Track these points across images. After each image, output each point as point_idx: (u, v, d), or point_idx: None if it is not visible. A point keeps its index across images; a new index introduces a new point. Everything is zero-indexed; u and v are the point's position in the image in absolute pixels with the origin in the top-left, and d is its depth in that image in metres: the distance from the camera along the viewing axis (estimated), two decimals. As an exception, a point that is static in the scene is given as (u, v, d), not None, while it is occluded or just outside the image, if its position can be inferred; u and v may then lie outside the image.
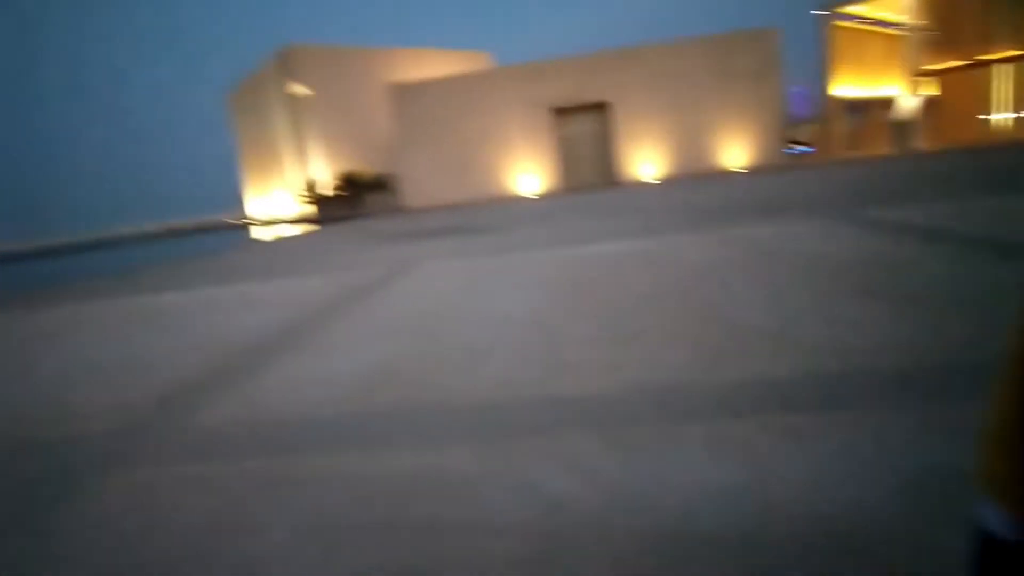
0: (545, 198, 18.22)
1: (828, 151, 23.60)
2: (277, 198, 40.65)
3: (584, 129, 22.36)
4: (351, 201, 31.85)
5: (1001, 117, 20.86)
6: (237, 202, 47.41)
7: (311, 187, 32.94)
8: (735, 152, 21.54)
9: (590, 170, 22.53)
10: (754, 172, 18.46)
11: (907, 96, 20.41)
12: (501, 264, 5.16)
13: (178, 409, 2.38)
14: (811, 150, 28.03)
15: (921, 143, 19.70)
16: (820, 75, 23.63)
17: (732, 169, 21.25)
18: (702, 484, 1.35)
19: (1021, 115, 20.32)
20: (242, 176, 45.10)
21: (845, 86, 23.35)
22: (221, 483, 1.67)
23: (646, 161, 21.92)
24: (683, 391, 1.92)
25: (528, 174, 22.39)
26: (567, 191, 21.32)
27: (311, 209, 34.07)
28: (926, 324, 2.28)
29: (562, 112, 21.98)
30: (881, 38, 24.10)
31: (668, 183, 18.55)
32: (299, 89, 33.55)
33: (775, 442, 1.49)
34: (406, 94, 23.15)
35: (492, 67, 30.82)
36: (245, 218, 45.23)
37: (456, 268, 5.26)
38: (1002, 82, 20.47)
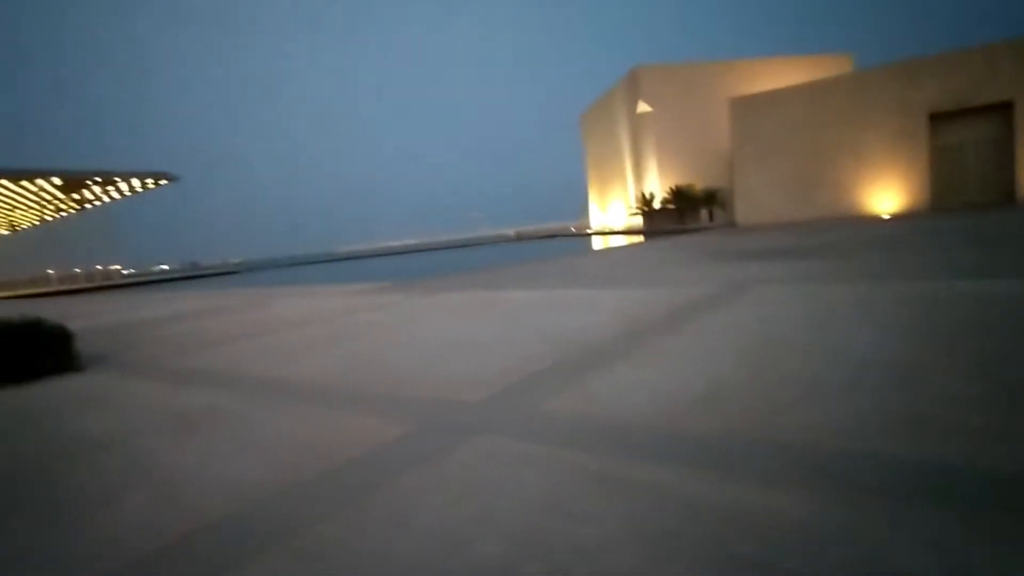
0: (905, 219, 15.48)
1: None
2: (613, 210, 43.23)
3: (973, 136, 18.24)
4: (679, 215, 31.95)
5: None
6: (582, 213, 52.11)
7: (644, 200, 34.07)
8: None
9: (976, 185, 18.28)
10: None
11: None
12: (842, 295, 4.62)
13: (525, 392, 2.80)
14: None
15: None
16: None
17: None
18: None
19: None
20: (587, 189, 49.25)
21: None
22: (556, 466, 1.92)
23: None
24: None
25: (886, 191, 19.30)
26: (937, 211, 17.72)
27: (639, 221, 35.26)
28: None
29: (943, 117, 18.31)
30: None
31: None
32: (642, 106, 35.01)
33: None
34: (747, 107, 22.20)
35: (852, 71, 27.46)
36: (586, 228, 49.32)
37: (792, 294, 4.89)
38: None
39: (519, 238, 59.00)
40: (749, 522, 1.48)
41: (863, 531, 1.40)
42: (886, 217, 17.84)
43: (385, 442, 2.34)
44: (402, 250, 62.16)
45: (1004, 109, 17.53)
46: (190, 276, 40.56)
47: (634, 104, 35.79)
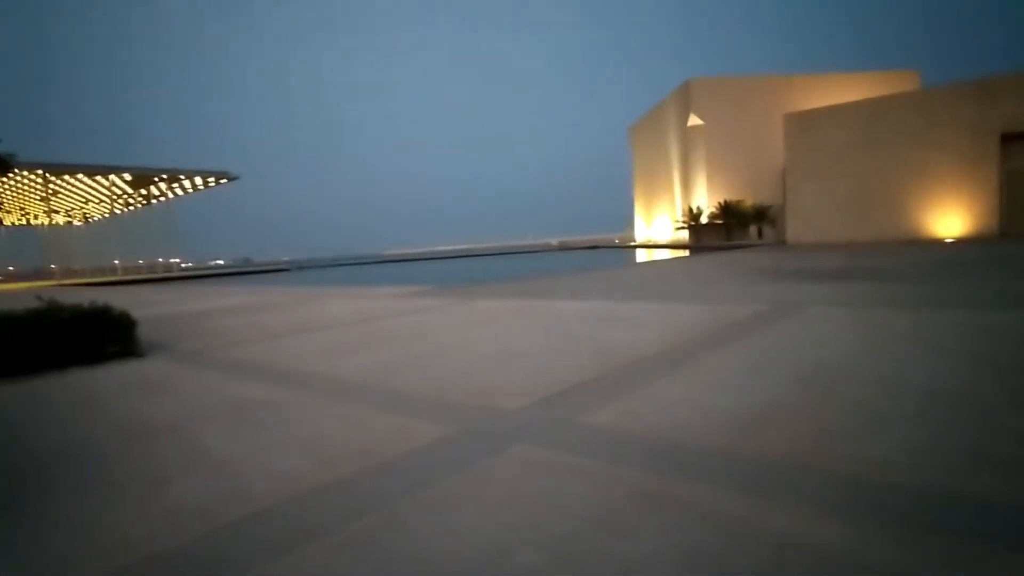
0: (970, 243, 14.78)
1: None
2: (659, 223, 42.75)
3: (1049, 159, 17.32)
4: (727, 231, 31.34)
5: None
6: (627, 225, 51.89)
7: (692, 215, 33.57)
8: None
9: (1051, 211, 17.35)
10: None
11: None
12: (900, 320, 4.46)
13: (567, 403, 2.82)
14: None
15: None
16: None
17: None
18: None
19: None
20: (633, 201, 48.93)
21: None
22: (596, 479, 1.93)
23: None
24: None
25: (950, 214, 18.49)
26: (1006, 236, 16.88)
27: (685, 236, 34.75)
28: None
29: (1016, 138, 17.46)
30: None
31: None
32: (694, 119, 34.57)
33: None
34: (803, 122, 21.67)
35: (918, 88, 26.51)
36: (630, 240, 49.00)
37: (846, 318, 4.75)
38: None
39: (562, 248, 59.13)
40: (794, 549, 1.45)
41: (911, 569, 1.35)
42: (949, 241, 17.12)
43: (425, 445, 2.39)
44: (448, 255, 63.06)
45: (1084, 132, 16.59)
46: (243, 272, 42.07)
47: (685, 116, 35.38)
